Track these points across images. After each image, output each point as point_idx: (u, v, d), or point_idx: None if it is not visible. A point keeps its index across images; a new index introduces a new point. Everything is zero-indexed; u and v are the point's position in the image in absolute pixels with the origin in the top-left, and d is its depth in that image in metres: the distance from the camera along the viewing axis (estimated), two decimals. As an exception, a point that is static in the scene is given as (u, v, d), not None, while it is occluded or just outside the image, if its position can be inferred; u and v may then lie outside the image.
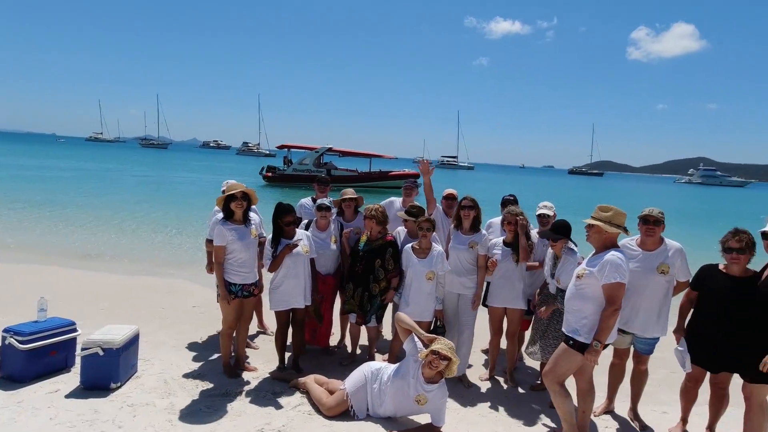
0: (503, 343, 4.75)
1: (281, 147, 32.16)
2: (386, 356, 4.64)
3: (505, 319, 4.58)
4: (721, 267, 3.63)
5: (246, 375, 4.38)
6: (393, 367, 3.83)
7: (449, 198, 5.06)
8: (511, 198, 4.96)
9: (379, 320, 4.73)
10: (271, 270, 4.29)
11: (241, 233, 4.16)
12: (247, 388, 4.14)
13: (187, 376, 4.29)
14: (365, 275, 4.54)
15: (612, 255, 3.27)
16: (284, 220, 4.26)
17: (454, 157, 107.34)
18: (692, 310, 3.77)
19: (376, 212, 4.52)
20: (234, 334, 4.43)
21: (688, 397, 3.90)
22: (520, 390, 4.55)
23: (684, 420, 3.98)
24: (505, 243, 4.44)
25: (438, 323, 4.51)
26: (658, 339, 3.86)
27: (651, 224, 3.71)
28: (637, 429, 4.00)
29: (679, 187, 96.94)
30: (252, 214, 4.43)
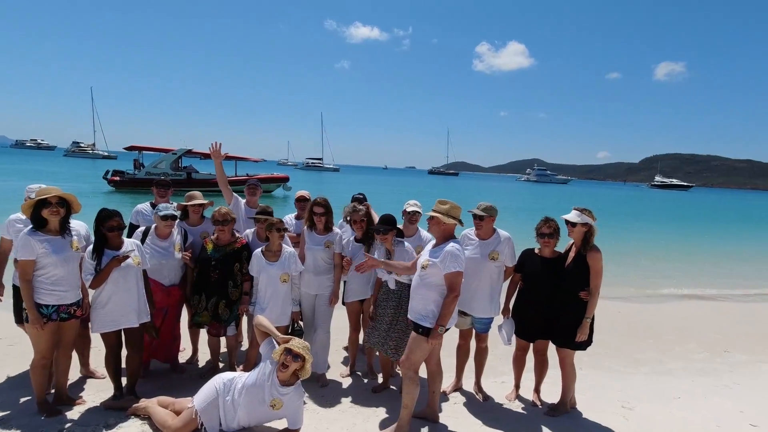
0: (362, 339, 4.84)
1: (130, 149, 28.67)
2: (242, 366, 4.41)
3: (362, 314, 4.67)
4: (536, 251, 4.21)
5: (71, 410, 3.75)
6: (246, 375, 3.64)
7: (301, 200, 5.02)
8: (360, 196, 5.08)
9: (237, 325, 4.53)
10: (93, 286, 3.72)
11: (57, 246, 3.54)
12: (69, 425, 3.54)
13: (-17, 425, 3.51)
14: (222, 282, 4.29)
15: (451, 246, 3.53)
16: (106, 225, 3.74)
17: (319, 159, 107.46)
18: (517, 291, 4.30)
19: (228, 215, 4.36)
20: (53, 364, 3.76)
21: (519, 365, 4.45)
22: (380, 383, 4.68)
23: (517, 386, 4.53)
24: (356, 240, 4.53)
25: (296, 325, 4.43)
26: (492, 318, 4.31)
27: (477, 219, 4.15)
28: (481, 400, 4.41)
29: (519, 184, 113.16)
30: (75, 224, 3.84)
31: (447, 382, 4.67)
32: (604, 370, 5.40)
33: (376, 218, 4.52)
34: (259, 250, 4.26)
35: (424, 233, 4.66)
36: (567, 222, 3.95)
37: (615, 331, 6.79)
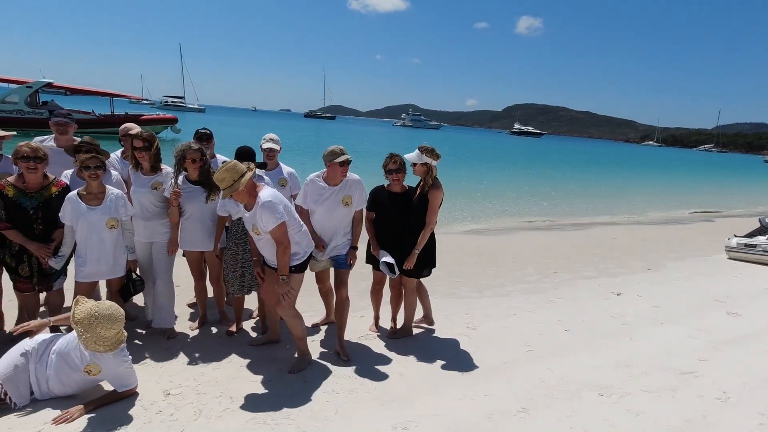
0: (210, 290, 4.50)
1: None
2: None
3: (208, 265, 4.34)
4: (386, 186, 4.24)
5: None
6: (61, 338, 3.18)
7: (126, 135, 4.36)
8: (207, 132, 4.53)
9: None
10: None
11: None
12: None
13: None
14: (48, 235, 3.68)
15: (261, 205, 3.28)
16: None
17: (180, 97, 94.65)
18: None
19: (41, 151, 3.59)
20: None
21: (377, 297, 4.58)
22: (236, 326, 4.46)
23: (376, 318, 4.68)
24: (190, 181, 4.04)
25: (133, 276, 3.96)
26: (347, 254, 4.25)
27: (340, 165, 3.85)
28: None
29: (395, 129, 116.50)
30: None
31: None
32: (455, 297, 5.86)
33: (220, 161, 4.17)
34: (75, 192, 3.59)
35: (286, 168, 4.52)
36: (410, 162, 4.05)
37: (468, 261, 7.41)
